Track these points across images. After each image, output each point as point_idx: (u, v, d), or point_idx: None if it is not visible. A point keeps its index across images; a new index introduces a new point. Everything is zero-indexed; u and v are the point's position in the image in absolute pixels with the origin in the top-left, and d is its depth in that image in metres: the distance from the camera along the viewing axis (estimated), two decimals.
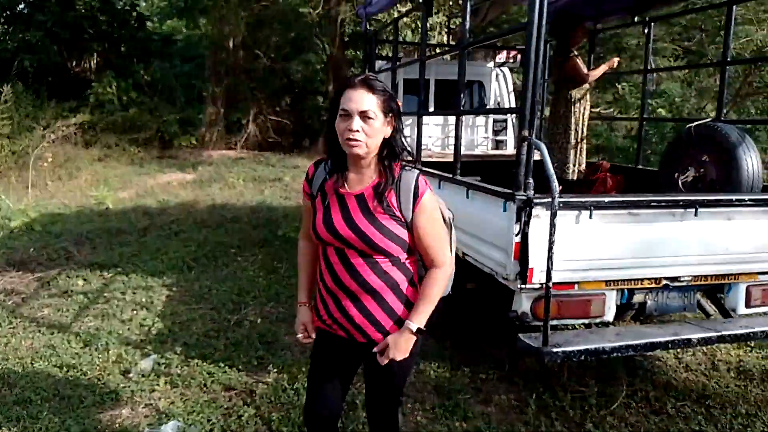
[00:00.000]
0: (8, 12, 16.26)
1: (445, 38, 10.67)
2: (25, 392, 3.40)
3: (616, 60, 5.36)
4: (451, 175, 3.74)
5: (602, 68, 5.16)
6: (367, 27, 6.61)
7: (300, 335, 2.19)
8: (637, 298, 3.24)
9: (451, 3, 10.41)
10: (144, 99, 15.33)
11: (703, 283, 3.25)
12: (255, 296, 5.11)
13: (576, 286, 3.03)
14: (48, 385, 3.49)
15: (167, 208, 9.29)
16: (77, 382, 3.55)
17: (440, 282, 1.97)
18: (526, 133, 2.91)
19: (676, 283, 3.18)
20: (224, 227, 7.87)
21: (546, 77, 5.92)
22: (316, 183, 2.04)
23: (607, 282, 3.07)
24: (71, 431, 3.04)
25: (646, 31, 5.33)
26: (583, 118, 5.05)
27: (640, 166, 5.44)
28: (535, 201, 2.82)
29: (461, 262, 3.39)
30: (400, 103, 2.00)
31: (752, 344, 4.22)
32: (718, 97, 4.85)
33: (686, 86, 11.60)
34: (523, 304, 3.01)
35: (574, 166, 5.04)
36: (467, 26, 3.83)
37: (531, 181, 2.90)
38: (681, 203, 3.08)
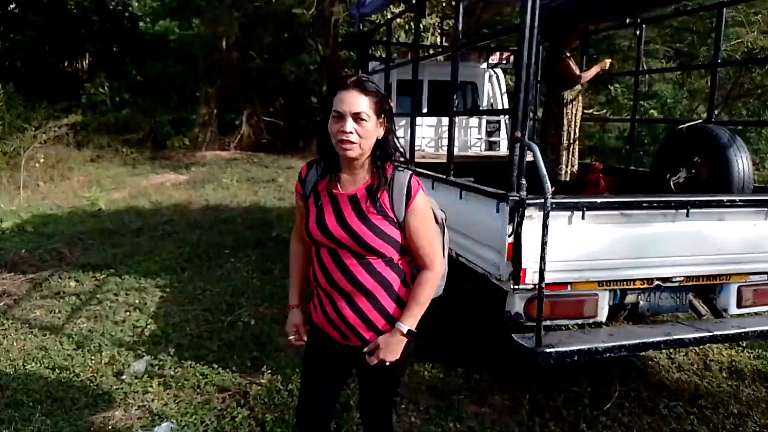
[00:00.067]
0: None
1: (438, 39, 10.68)
2: (17, 394, 3.38)
3: (608, 61, 5.39)
4: (444, 176, 3.75)
5: (594, 69, 5.19)
6: (361, 28, 6.62)
7: (292, 337, 2.20)
8: (630, 298, 3.25)
9: (444, 4, 10.42)
10: (137, 99, 15.28)
11: (695, 283, 3.26)
12: (249, 297, 5.10)
13: (569, 286, 3.04)
14: (40, 386, 3.47)
15: (160, 209, 9.26)
16: (70, 383, 3.53)
17: (431, 284, 1.97)
18: (518, 134, 2.92)
19: (669, 284, 3.20)
20: (218, 228, 7.85)
21: (539, 78, 5.94)
22: (309, 184, 2.04)
23: (600, 282, 3.08)
24: None
25: (637, 32, 5.36)
26: (575, 119, 5.07)
27: (632, 167, 5.46)
28: (528, 202, 2.83)
29: (455, 262, 3.40)
30: (392, 104, 2.00)
31: (744, 344, 4.25)
32: (709, 99, 4.89)
33: (678, 88, 11.67)
34: (517, 304, 3.02)
35: (567, 167, 5.06)
36: (460, 27, 3.84)
37: (524, 182, 2.91)
38: (673, 204, 3.10)
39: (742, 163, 3.86)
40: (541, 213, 2.72)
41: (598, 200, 3.05)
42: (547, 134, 5.13)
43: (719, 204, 3.18)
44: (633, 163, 5.64)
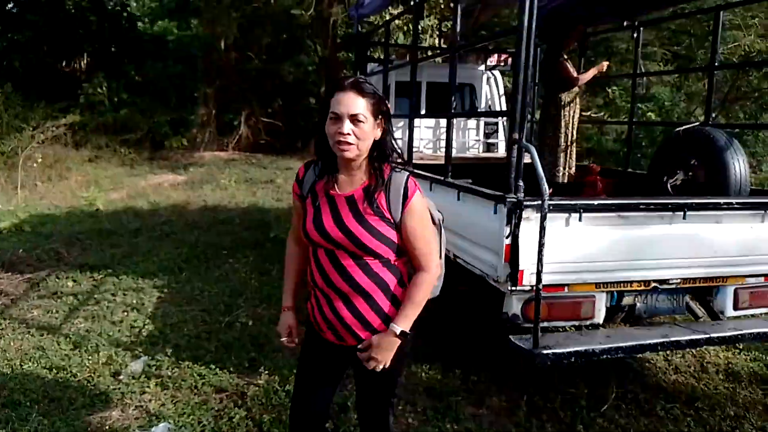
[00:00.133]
0: None
1: (436, 41, 10.70)
2: (14, 394, 3.37)
3: (605, 64, 5.40)
4: (442, 178, 3.76)
5: (592, 72, 5.20)
6: (359, 29, 6.63)
7: (284, 339, 2.21)
8: (627, 300, 3.26)
9: (442, 6, 10.44)
10: (135, 99, 15.27)
11: (691, 285, 3.28)
12: (247, 298, 5.10)
13: (566, 288, 3.05)
14: (37, 386, 3.46)
15: (158, 209, 9.26)
16: (67, 383, 3.53)
17: (427, 285, 1.97)
18: (516, 135, 2.93)
19: (665, 286, 3.21)
20: (216, 229, 7.85)
21: (536, 80, 5.96)
22: (306, 184, 2.04)
23: (597, 284, 3.09)
24: None
25: (635, 35, 5.37)
26: (573, 122, 5.08)
27: (629, 170, 5.48)
28: (526, 203, 2.84)
29: (452, 264, 3.40)
30: (390, 106, 2.01)
31: (740, 346, 4.26)
32: (706, 102, 4.91)
33: (676, 90, 11.70)
34: (514, 306, 3.03)
35: (565, 169, 5.07)
36: (458, 29, 3.85)
37: (521, 183, 2.92)
38: (670, 206, 3.11)
39: (738, 165, 3.88)
40: (539, 215, 2.73)
41: (595, 202, 3.06)
42: (545, 136, 5.14)
43: (716, 206, 3.19)
44: (630, 166, 5.65)
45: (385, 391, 2.14)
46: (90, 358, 3.88)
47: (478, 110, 6.79)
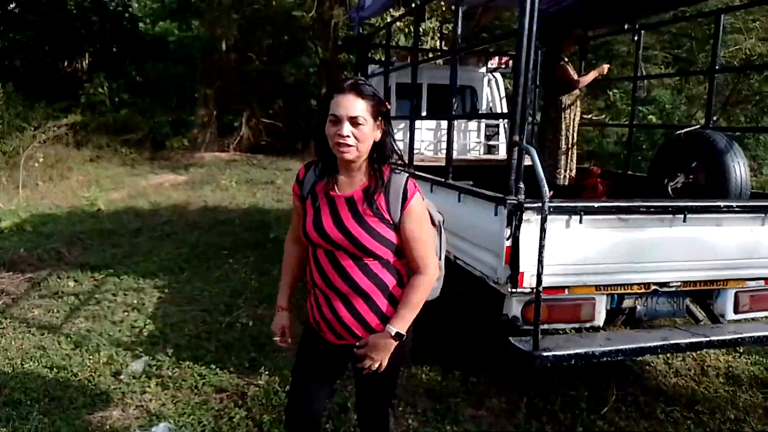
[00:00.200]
0: None
1: (437, 43, 10.71)
2: (14, 393, 3.38)
3: (606, 67, 5.42)
4: (443, 179, 3.76)
5: (592, 74, 5.21)
6: (360, 31, 6.64)
7: (277, 338, 2.23)
8: (627, 303, 3.26)
9: (443, 8, 10.45)
10: (136, 100, 15.29)
11: (692, 288, 3.28)
12: (247, 298, 5.11)
13: (566, 290, 3.04)
14: (38, 386, 3.47)
15: (159, 209, 9.27)
16: (67, 383, 3.53)
17: (424, 288, 1.97)
18: (516, 138, 2.93)
19: (666, 289, 3.21)
20: (216, 229, 7.86)
21: (537, 83, 5.96)
22: (306, 185, 2.05)
23: (597, 287, 3.09)
24: None
25: (636, 38, 5.38)
26: (573, 124, 5.10)
27: (630, 172, 5.49)
28: (526, 205, 2.84)
29: (452, 265, 3.40)
30: (389, 107, 2.01)
31: (741, 350, 4.26)
32: (706, 105, 4.91)
33: (676, 93, 11.70)
34: (514, 308, 3.03)
35: (565, 171, 5.08)
36: (459, 32, 3.85)
37: (522, 185, 2.92)
38: (670, 209, 3.11)
39: (739, 168, 3.88)
40: (539, 217, 2.73)
41: (596, 204, 3.06)
42: (545, 138, 5.16)
43: (716, 209, 3.19)
44: (631, 168, 5.66)
45: (384, 391, 2.15)
46: (91, 357, 3.88)
47: (479, 112, 6.79)
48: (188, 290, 5.32)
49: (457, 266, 3.42)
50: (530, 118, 5.57)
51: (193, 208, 9.52)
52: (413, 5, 5.74)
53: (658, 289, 3.19)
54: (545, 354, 2.82)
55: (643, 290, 3.18)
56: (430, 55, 7.43)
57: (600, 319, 3.17)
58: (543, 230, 2.70)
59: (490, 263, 3.04)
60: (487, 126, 6.90)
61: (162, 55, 17.43)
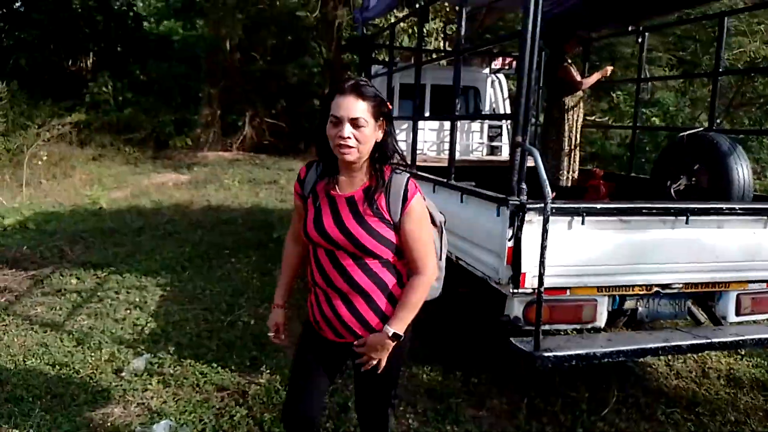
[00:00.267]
0: (4, 10, 16.26)
1: (441, 44, 10.72)
2: (17, 390, 3.39)
3: (609, 68, 5.41)
4: (445, 180, 3.77)
5: (595, 76, 5.22)
6: (364, 31, 6.65)
7: (271, 334, 2.24)
8: (629, 304, 3.26)
9: (447, 9, 10.45)
10: (140, 99, 15.32)
11: (693, 290, 3.27)
12: (248, 297, 5.12)
13: (568, 291, 3.04)
14: (40, 383, 3.48)
15: (162, 208, 9.29)
16: (69, 380, 3.54)
17: (422, 288, 1.97)
18: (519, 139, 2.94)
19: (667, 290, 3.20)
20: (219, 229, 7.87)
21: (540, 84, 5.97)
22: (307, 184, 2.06)
23: (599, 288, 3.09)
24: (62, 429, 3.04)
25: (640, 40, 5.38)
26: (576, 125, 5.10)
27: (633, 174, 5.48)
28: (528, 206, 2.84)
29: (454, 266, 3.41)
30: (391, 107, 2.01)
31: (742, 352, 4.25)
32: (710, 107, 4.91)
33: (680, 96, 11.69)
34: (516, 308, 3.03)
35: (568, 172, 5.08)
36: (463, 32, 3.86)
37: (524, 186, 2.92)
38: (672, 211, 3.11)
39: (742, 171, 3.88)
40: (541, 218, 2.73)
41: (598, 206, 3.06)
42: (548, 140, 5.16)
43: (719, 212, 3.19)
44: (634, 170, 5.66)
45: (384, 390, 2.15)
46: (92, 355, 3.89)
47: (482, 113, 6.79)
48: (190, 289, 5.33)
49: (459, 267, 3.42)
50: (533, 120, 5.59)
51: (196, 207, 9.54)
52: (417, 6, 5.74)
53: (660, 290, 3.19)
54: (546, 355, 2.81)
55: (644, 292, 3.18)
56: (434, 55, 7.45)
57: (601, 320, 3.17)
58: (545, 231, 2.70)
59: (492, 264, 3.04)
60: (490, 127, 6.90)
61: (166, 55, 17.47)
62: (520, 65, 2.96)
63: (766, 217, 3.23)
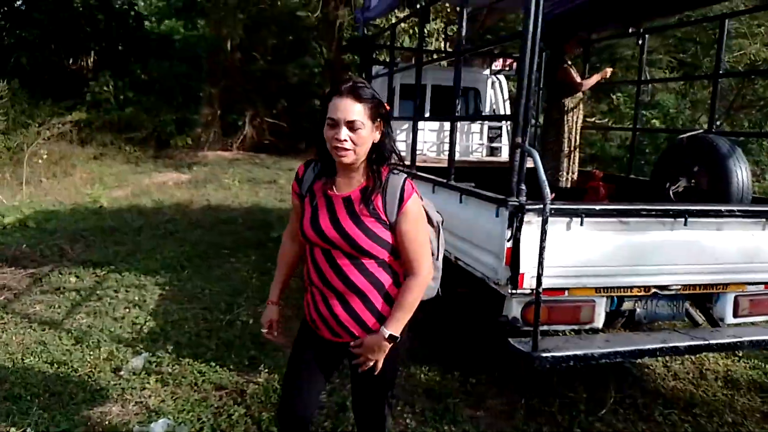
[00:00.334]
0: (5, 8, 16.26)
1: (442, 44, 10.73)
2: (15, 388, 3.40)
3: (609, 70, 5.42)
4: (445, 180, 3.77)
5: (595, 78, 5.22)
6: (365, 32, 6.66)
7: (265, 330, 2.25)
8: (627, 305, 3.26)
9: (448, 10, 10.46)
10: (141, 98, 15.31)
11: (691, 292, 3.28)
12: (248, 297, 5.12)
13: (566, 292, 3.05)
14: (38, 381, 3.49)
15: (162, 207, 9.29)
16: (68, 378, 3.55)
17: (417, 289, 1.97)
18: (519, 140, 2.94)
19: (665, 292, 3.21)
20: (218, 228, 7.87)
21: (540, 85, 5.97)
22: (305, 183, 2.06)
23: (597, 289, 3.09)
24: (61, 427, 3.04)
25: (640, 42, 5.39)
26: (576, 127, 5.10)
27: (632, 176, 5.49)
28: (527, 207, 2.84)
29: (453, 266, 3.42)
30: (388, 108, 2.01)
31: (740, 354, 4.26)
32: (710, 109, 4.92)
33: (681, 98, 11.69)
34: (514, 309, 3.03)
35: (567, 174, 5.09)
36: (464, 33, 3.87)
37: (524, 187, 2.93)
38: (671, 213, 3.11)
39: (741, 173, 3.89)
40: (540, 218, 2.74)
41: (597, 207, 3.06)
42: (548, 141, 5.17)
43: (717, 214, 3.19)
44: (633, 172, 5.67)
45: (380, 390, 2.15)
46: (91, 353, 3.90)
47: (482, 114, 6.80)
48: (189, 288, 5.33)
49: (458, 267, 3.42)
50: (533, 121, 5.60)
51: (196, 206, 9.54)
52: (418, 6, 5.75)
53: (658, 292, 3.19)
54: (544, 355, 2.82)
55: (642, 293, 3.18)
56: (435, 56, 7.46)
57: (599, 321, 3.17)
58: (544, 232, 2.71)
59: (491, 264, 3.05)
60: (489, 128, 6.91)
61: (167, 54, 17.46)
62: (520, 66, 2.97)
63: (764, 220, 3.24)
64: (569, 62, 5.12)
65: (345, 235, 1.92)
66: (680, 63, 12.44)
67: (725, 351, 4.00)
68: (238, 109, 16.05)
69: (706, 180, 4.09)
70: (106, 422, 3.13)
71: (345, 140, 1.85)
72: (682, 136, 4.40)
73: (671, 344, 3.07)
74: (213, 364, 3.78)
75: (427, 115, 6.28)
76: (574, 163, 5.13)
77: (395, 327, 1.96)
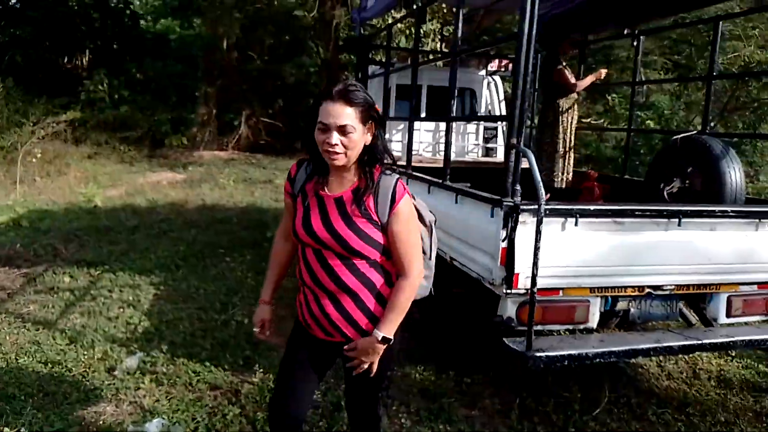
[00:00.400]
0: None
1: (438, 45, 10.73)
2: (8, 388, 3.38)
3: (603, 71, 5.44)
4: (440, 181, 3.78)
5: (589, 78, 5.24)
6: (362, 32, 6.66)
7: (257, 329, 2.25)
8: (621, 305, 3.28)
9: (445, 11, 10.47)
10: (136, 97, 15.29)
11: (685, 292, 3.29)
12: (243, 297, 5.11)
13: (561, 292, 3.06)
14: (32, 381, 3.48)
15: (157, 207, 9.27)
16: (62, 378, 3.54)
17: (408, 290, 1.97)
18: (514, 140, 2.95)
19: (659, 292, 3.23)
20: (213, 228, 7.86)
21: (536, 86, 5.99)
22: (298, 183, 2.06)
23: (592, 289, 3.10)
24: (55, 427, 3.04)
25: (635, 43, 5.41)
26: (571, 128, 5.12)
27: (627, 176, 5.51)
28: (522, 207, 2.85)
29: (448, 266, 3.42)
30: (380, 110, 2.01)
31: (733, 354, 4.28)
32: (704, 111, 4.94)
33: (675, 99, 11.73)
34: (509, 309, 3.04)
35: (562, 174, 5.11)
36: (460, 34, 3.87)
37: (518, 188, 2.94)
38: (665, 213, 3.13)
39: (734, 174, 3.91)
40: (535, 219, 2.74)
41: (591, 207, 3.07)
42: (543, 141, 5.18)
43: (711, 214, 3.21)
44: (628, 173, 5.69)
45: (373, 389, 2.15)
46: (85, 353, 3.89)
47: (478, 115, 6.81)
48: (184, 288, 5.32)
49: (453, 267, 3.43)
50: (528, 121, 5.61)
51: (191, 206, 9.52)
52: (415, 7, 5.75)
53: (652, 292, 3.21)
54: (539, 355, 2.83)
55: (637, 293, 3.20)
56: (431, 56, 7.46)
57: (594, 320, 3.18)
58: (539, 232, 2.72)
59: (486, 264, 3.05)
60: (485, 128, 6.92)
61: (163, 53, 17.43)
62: (515, 67, 2.98)
63: (757, 220, 3.26)
64: (564, 63, 5.14)
65: (336, 235, 1.92)
66: (675, 65, 12.48)
67: (718, 351, 4.02)
68: (234, 109, 16.01)
69: (699, 181, 4.11)
70: (101, 422, 3.12)
71: (336, 144, 1.85)
72: (676, 137, 4.42)
73: (665, 344, 3.09)
74: (208, 363, 3.77)
75: (423, 115, 6.28)
76: (569, 163, 5.15)
77: (388, 329, 1.96)
